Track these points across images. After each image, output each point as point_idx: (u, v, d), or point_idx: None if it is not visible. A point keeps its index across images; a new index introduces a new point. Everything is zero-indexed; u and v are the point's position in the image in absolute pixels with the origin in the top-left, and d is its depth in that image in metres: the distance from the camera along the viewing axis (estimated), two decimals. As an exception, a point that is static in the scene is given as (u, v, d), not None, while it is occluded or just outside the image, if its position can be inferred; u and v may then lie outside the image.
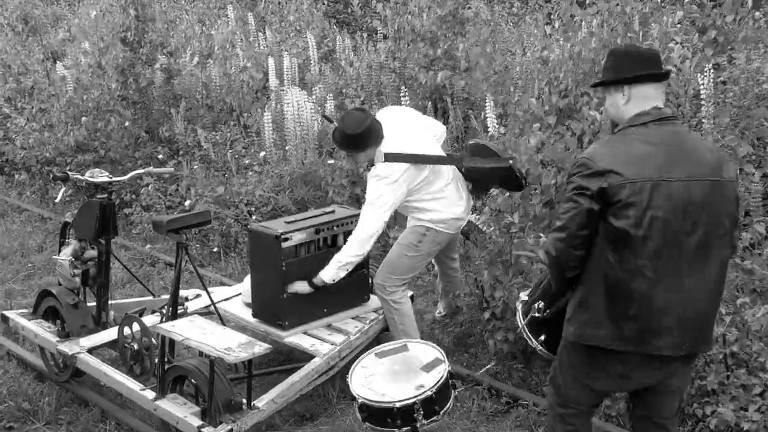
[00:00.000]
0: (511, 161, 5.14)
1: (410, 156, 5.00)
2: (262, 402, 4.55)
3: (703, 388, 4.55)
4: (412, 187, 5.05)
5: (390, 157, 4.95)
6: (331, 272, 5.06)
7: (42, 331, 5.39)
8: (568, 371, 3.61)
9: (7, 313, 5.73)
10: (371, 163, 5.17)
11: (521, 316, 3.82)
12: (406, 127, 5.22)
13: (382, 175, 4.94)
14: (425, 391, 3.67)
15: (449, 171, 5.24)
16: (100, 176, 5.40)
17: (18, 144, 10.12)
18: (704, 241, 3.30)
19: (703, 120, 6.53)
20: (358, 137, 5.04)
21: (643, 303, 3.30)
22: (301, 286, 5.09)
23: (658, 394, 3.61)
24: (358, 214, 5.23)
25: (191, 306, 5.45)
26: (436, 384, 3.70)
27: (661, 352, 3.36)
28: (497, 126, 7.33)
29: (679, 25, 7.29)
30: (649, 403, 3.65)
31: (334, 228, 5.30)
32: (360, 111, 5.22)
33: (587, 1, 7.87)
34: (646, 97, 3.41)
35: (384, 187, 4.93)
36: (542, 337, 3.78)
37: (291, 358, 5.48)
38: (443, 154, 5.30)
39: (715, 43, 7.32)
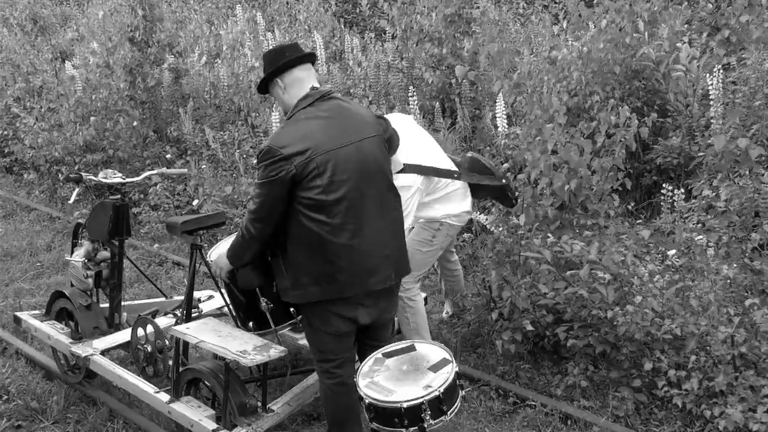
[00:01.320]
0: (504, 180, 5.32)
1: (426, 168, 5.00)
2: (277, 405, 4.52)
3: (711, 389, 4.54)
4: (426, 192, 5.06)
5: (408, 168, 4.94)
6: None
7: (55, 332, 5.36)
8: (312, 329, 4.10)
9: (19, 314, 5.70)
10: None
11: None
12: (416, 137, 5.21)
13: (405, 186, 4.91)
14: (433, 391, 3.66)
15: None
16: (114, 177, 5.36)
17: (27, 143, 10.15)
18: (380, 189, 3.98)
19: (712, 120, 6.50)
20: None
21: (352, 252, 3.86)
22: None
23: (380, 326, 4.24)
24: None
25: (205, 307, 5.42)
26: (443, 384, 3.69)
27: (376, 287, 3.97)
28: (507, 126, 7.32)
29: (687, 25, 7.27)
30: (373, 334, 4.22)
31: None
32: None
33: (595, 1, 7.85)
34: (300, 80, 3.95)
35: (409, 198, 4.90)
36: (251, 324, 4.45)
37: (298, 359, 5.48)
38: (448, 159, 5.31)
39: (727, 43, 7.29)
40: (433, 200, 5.15)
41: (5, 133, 11.08)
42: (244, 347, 4.24)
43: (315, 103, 3.90)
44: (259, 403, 4.43)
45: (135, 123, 9.38)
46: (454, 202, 5.21)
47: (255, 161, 3.99)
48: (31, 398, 5.25)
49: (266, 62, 4.01)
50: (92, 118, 9.56)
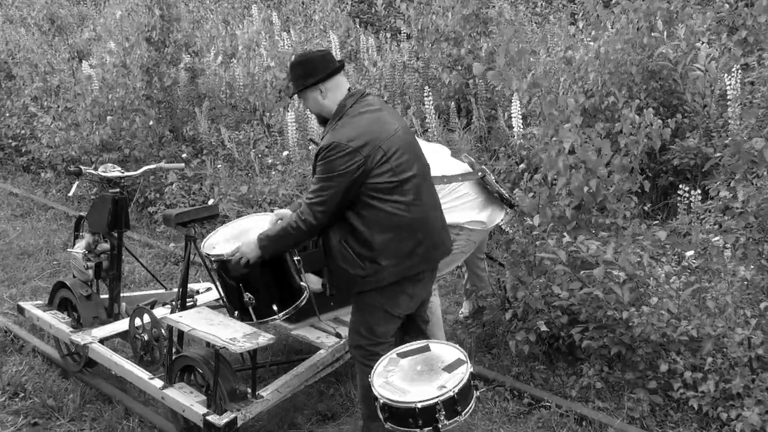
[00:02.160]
0: (480, 174, 5.31)
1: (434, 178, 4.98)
2: (266, 392, 4.62)
3: (727, 392, 4.51)
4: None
5: None
6: None
7: (56, 321, 5.51)
8: (375, 311, 4.24)
9: (23, 304, 5.87)
10: None
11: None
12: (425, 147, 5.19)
13: None
14: (447, 392, 3.66)
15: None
16: (113, 171, 5.51)
17: (44, 142, 10.21)
18: (424, 168, 4.31)
19: (729, 121, 6.47)
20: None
21: (427, 224, 4.19)
22: (312, 284, 5.07)
23: (425, 303, 4.52)
24: None
25: (202, 299, 5.52)
26: (458, 384, 3.69)
27: (441, 257, 4.36)
28: (522, 126, 7.31)
29: (706, 25, 7.24)
30: (420, 311, 4.50)
31: None
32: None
33: (612, 1, 7.82)
34: (340, 85, 4.23)
35: None
36: (236, 314, 4.59)
37: (298, 351, 5.52)
38: (458, 164, 5.31)
39: (744, 43, 7.25)
40: (447, 205, 5.12)
41: (23, 132, 11.14)
42: (234, 335, 4.37)
43: (359, 101, 4.19)
44: (249, 390, 4.54)
45: (151, 122, 9.41)
46: (471, 206, 5.20)
47: (317, 157, 4.13)
48: (47, 396, 5.28)
49: (309, 69, 4.21)
50: (109, 118, 9.60)
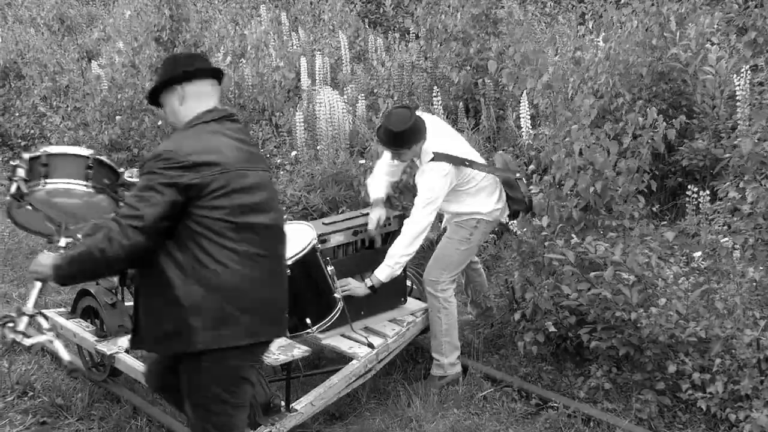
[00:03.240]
0: (518, 175, 5.32)
1: (456, 158, 5.05)
2: (300, 404, 4.51)
3: (736, 393, 4.50)
4: (456, 183, 5.10)
5: (438, 157, 4.99)
6: (387, 271, 5.06)
7: (81, 330, 5.39)
8: (216, 396, 3.40)
9: (45, 311, 5.72)
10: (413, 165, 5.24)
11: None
12: (446, 133, 5.28)
13: (435, 169, 4.99)
14: None
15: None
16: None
17: (53, 142, 10.23)
18: (276, 220, 3.51)
19: (739, 122, 6.45)
20: (404, 134, 5.00)
21: (260, 288, 3.37)
22: (358, 288, 5.09)
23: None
24: (397, 216, 5.31)
25: None
26: None
27: (280, 335, 3.62)
28: (530, 127, 7.30)
29: (716, 26, 7.22)
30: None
31: None
32: (404, 108, 5.21)
33: (622, 1, 7.80)
34: (202, 95, 3.49)
35: (437, 180, 4.98)
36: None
37: (321, 358, 5.49)
38: (478, 155, 5.34)
39: (754, 44, 7.23)
40: (463, 193, 5.17)
41: (32, 131, 11.17)
42: None
43: (220, 121, 3.46)
44: (283, 403, 4.42)
45: (160, 122, 9.43)
46: (486, 195, 5.25)
47: (140, 166, 3.41)
48: (56, 395, 5.29)
49: (169, 66, 3.56)
50: (118, 117, 9.63)
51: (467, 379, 5.29)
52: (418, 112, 5.20)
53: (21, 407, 5.25)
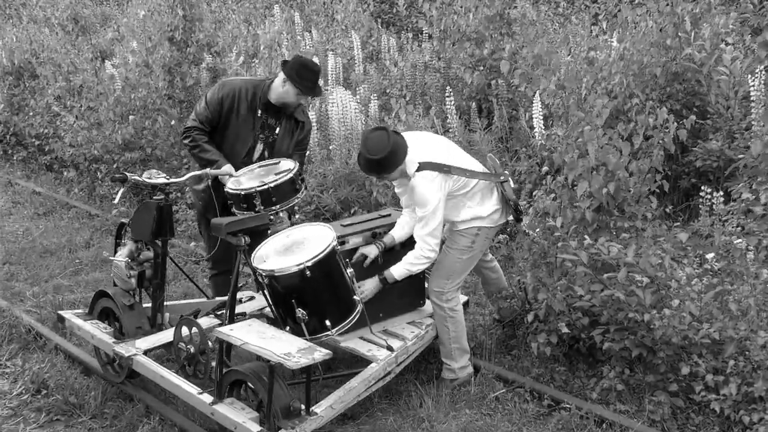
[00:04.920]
0: (502, 177, 5.23)
1: (439, 165, 4.96)
2: (320, 408, 4.48)
3: (750, 395, 4.48)
4: (452, 189, 5.05)
5: (424, 166, 4.93)
6: (402, 272, 5.07)
7: (98, 332, 5.36)
8: None
9: (63, 313, 5.72)
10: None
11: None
12: (433, 144, 5.18)
13: (420, 180, 4.91)
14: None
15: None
16: (158, 177, 5.32)
17: (67, 141, 10.29)
18: None
19: (753, 123, 6.42)
20: (385, 160, 4.90)
21: None
22: (370, 284, 5.09)
23: None
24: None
25: (245, 308, 5.38)
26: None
27: None
28: (543, 127, 7.29)
29: (731, 26, 7.18)
30: None
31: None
32: (380, 130, 5.02)
33: (636, 1, 7.78)
34: None
35: (425, 190, 4.90)
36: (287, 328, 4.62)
37: (335, 360, 5.48)
38: (475, 162, 5.28)
39: (768, 44, 7.20)
40: (461, 197, 5.12)
41: (46, 131, 11.22)
42: (288, 349, 4.22)
43: None
44: (303, 406, 4.39)
45: (173, 122, 9.46)
46: (482, 199, 5.18)
47: None
48: (69, 393, 5.31)
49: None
50: (131, 117, 9.66)
51: (479, 380, 5.28)
52: (394, 129, 5.15)
53: (34, 405, 5.28)
